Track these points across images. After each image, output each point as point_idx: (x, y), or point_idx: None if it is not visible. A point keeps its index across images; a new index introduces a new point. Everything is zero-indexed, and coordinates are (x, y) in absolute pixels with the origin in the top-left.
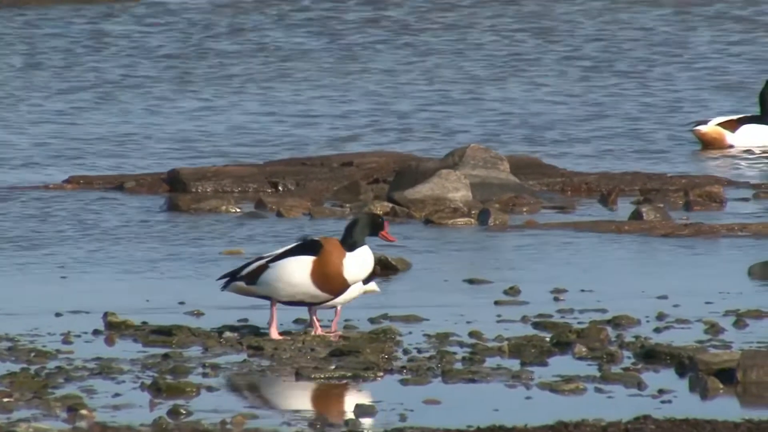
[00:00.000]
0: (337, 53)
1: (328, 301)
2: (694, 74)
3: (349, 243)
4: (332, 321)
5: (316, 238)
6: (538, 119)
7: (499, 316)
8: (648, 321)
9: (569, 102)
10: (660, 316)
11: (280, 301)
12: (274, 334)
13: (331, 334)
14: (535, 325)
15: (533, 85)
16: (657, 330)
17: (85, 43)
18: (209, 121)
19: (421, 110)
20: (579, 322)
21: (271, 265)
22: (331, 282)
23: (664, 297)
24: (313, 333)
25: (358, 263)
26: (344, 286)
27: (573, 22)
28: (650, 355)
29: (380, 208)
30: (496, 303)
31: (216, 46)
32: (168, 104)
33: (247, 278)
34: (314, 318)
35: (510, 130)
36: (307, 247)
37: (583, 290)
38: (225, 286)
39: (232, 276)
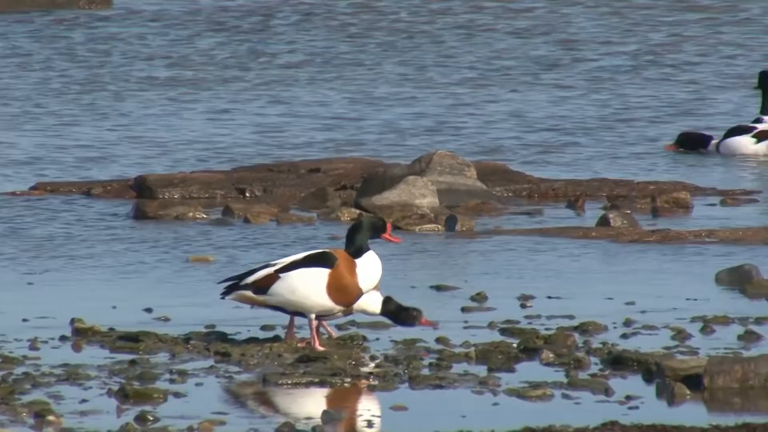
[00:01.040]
0: (315, 60)
1: (339, 312)
2: (666, 80)
3: (355, 250)
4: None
5: (328, 250)
6: (506, 125)
7: (466, 322)
8: (615, 327)
9: (537, 108)
10: (627, 323)
11: (287, 312)
12: (318, 346)
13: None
14: (502, 332)
15: (502, 91)
16: (624, 336)
17: (51, 48)
18: (179, 127)
19: (389, 115)
20: (546, 329)
21: (282, 275)
22: (347, 294)
23: (632, 303)
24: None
25: (369, 270)
26: (359, 296)
27: (538, 24)
28: (617, 362)
29: (347, 214)
30: (463, 309)
31: (182, 51)
32: (138, 110)
33: (255, 287)
34: (324, 324)
35: (477, 136)
36: (319, 258)
37: (550, 296)
38: (227, 293)
39: (236, 283)
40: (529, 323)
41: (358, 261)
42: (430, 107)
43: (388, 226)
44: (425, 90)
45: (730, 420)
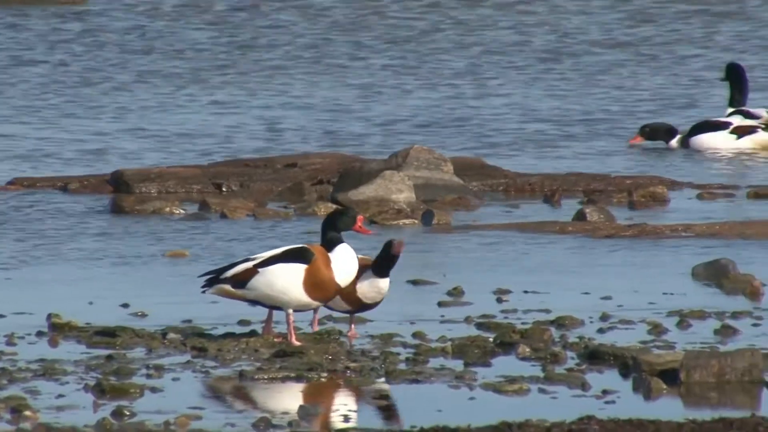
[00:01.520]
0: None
1: (318, 307)
2: (642, 76)
3: (327, 243)
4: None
5: (306, 245)
6: (481, 120)
7: (442, 316)
8: (592, 322)
9: (513, 103)
10: (604, 317)
11: (265, 306)
12: (294, 340)
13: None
14: (479, 326)
15: (476, 86)
16: (601, 331)
17: (29, 44)
18: (158, 121)
19: (364, 110)
20: (522, 323)
21: (260, 270)
22: (324, 290)
23: (608, 298)
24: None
25: (344, 263)
26: (337, 291)
27: (518, 22)
28: (594, 356)
29: (324, 209)
30: (440, 304)
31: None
32: (113, 104)
33: (234, 281)
34: (316, 318)
35: (454, 131)
36: (297, 254)
37: (526, 291)
38: (207, 286)
39: (216, 277)
40: (506, 318)
41: (331, 255)
42: (422, 101)
43: (359, 218)
44: (413, 84)
45: (706, 415)
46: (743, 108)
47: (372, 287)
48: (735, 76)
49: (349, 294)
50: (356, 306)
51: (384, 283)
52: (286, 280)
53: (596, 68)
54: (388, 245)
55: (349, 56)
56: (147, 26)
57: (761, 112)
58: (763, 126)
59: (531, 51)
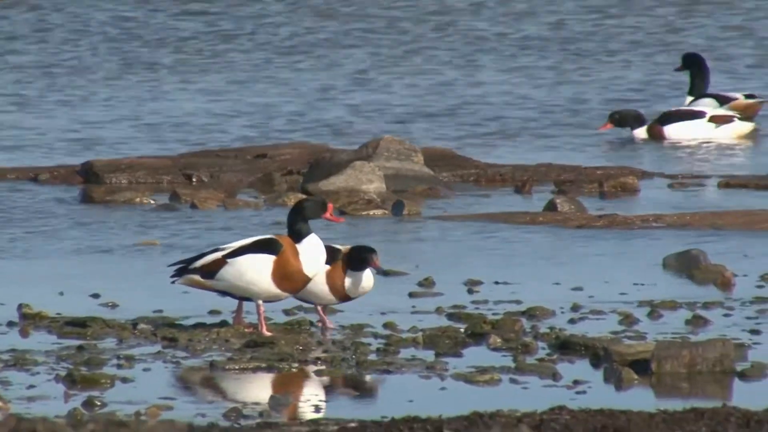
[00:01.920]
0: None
1: (286, 298)
2: (611, 66)
3: (294, 234)
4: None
5: (274, 237)
6: (453, 110)
7: (413, 307)
8: (563, 312)
9: (485, 93)
10: (575, 308)
11: (235, 297)
12: (265, 331)
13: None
14: (450, 317)
15: (444, 75)
16: (572, 321)
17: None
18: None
19: (330, 100)
20: (493, 314)
21: (229, 261)
22: (293, 281)
23: (579, 288)
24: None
25: (312, 254)
26: (305, 282)
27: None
28: (565, 346)
29: (294, 199)
30: (411, 295)
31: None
32: (84, 96)
33: (203, 272)
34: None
35: (424, 121)
36: (265, 245)
37: (497, 282)
38: (177, 276)
39: (185, 267)
40: (477, 308)
41: (299, 246)
42: (407, 90)
43: (329, 206)
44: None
45: (677, 405)
46: (719, 93)
47: (357, 281)
48: (693, 65)
49: (336, 288)
50: (343, 298)
51: (368, 275)
52: (255, 272)
53: (572, 57)
54: (364, 253)
55: (332, 44)
56: (129, 15)
57: (736, 95)
58: (738, 116)
59: (511, 40)
